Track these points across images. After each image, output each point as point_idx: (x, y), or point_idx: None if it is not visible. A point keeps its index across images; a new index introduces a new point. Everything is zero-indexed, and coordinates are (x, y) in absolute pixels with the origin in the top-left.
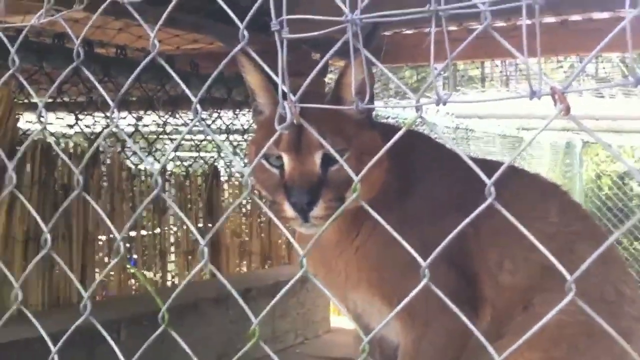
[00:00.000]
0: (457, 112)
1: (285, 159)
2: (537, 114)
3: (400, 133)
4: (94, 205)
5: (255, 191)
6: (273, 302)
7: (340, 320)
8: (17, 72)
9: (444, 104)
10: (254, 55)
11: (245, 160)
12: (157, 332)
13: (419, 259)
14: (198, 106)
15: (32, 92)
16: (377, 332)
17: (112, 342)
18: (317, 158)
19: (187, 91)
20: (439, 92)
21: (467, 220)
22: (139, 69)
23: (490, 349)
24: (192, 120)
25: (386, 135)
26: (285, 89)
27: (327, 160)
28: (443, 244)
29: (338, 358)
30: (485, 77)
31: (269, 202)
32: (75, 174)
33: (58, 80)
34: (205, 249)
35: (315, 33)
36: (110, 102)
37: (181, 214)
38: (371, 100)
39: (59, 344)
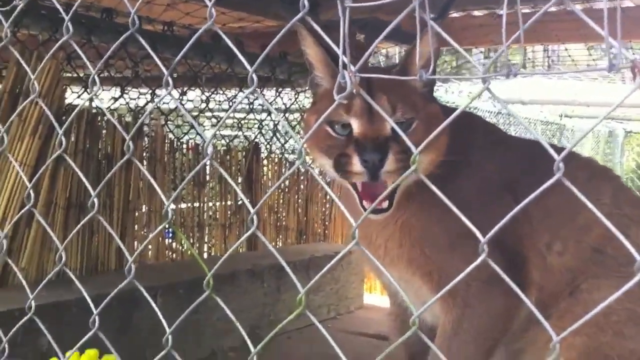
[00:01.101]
0: (501, 98)
1: (356, 124)
2: (581, 100)
3: (467, 104)
4: (144, 171)
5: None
6: (326, 269)
7: (373, 297)
8: (69, 40)
9: (515, 75)
10: (314, 25)
11: (293, 135)
12: (203, 297)
13: (478, 234)
14: (254, 75)
15: (86, 61)
16: (428, 306)
17: (153, 304)
18: (388, 125)
19: (242, 58)
20: (509, 65)
21: (533, 195)
22: (195, 36)
23: (549, 328)
24: (234, 96)
25: (445, 112)
26: (346, 60)
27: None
28: (504, 220)
29: (370, 334)
30: (526, 62)
31: (331, 167)
32: (120, 143)
33: (110, 50)
34: (255, 217)
35: (382, 1)
36: (164, 70)
37: (230, 181)
38: (434, 74)
39: (101, 306)
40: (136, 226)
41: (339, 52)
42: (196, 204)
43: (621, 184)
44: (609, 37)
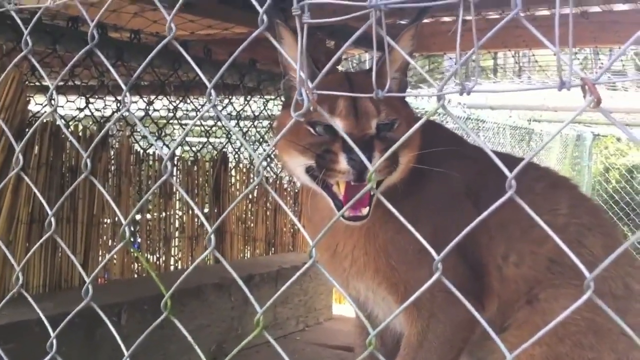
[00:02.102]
0: (468, 103)
1: (342, 124)
2: (549, 105)
3: (422, 120)
4: (100, 189)
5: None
6: (285, 286)
7: (342, 308)
8: (29, 54)
9: (468, 93)
10: (273, 40)
11: (248, 149)
12: (159, 320)
13: (433, 253)
14: (212, 91)
15: (44, 74)
16: (384, 326)
17: (111, 326)
18: (373, 124)
19: (202, 76)
20: (463, 82)
21: (485, 214)
22: (155, 51)
23: (498, 340)
24: (202, 105)
25: (429, 130)
26: (303, 76)
27: (381, 128)
28: (456, 239)
29: (339, 346)
30: (497, 67)
31: (304, 170)
32: (83, 156)
33: (71, 62)
34: (212, 236)
35: (338, 18)
36: (123, 86)
37: (189, 199)
38: (404, 88)
39: (59, 328)
40: (102, 239)
41: (297, 68)
42: (162, 215)
43: (579, 193)
44: (560, 55)
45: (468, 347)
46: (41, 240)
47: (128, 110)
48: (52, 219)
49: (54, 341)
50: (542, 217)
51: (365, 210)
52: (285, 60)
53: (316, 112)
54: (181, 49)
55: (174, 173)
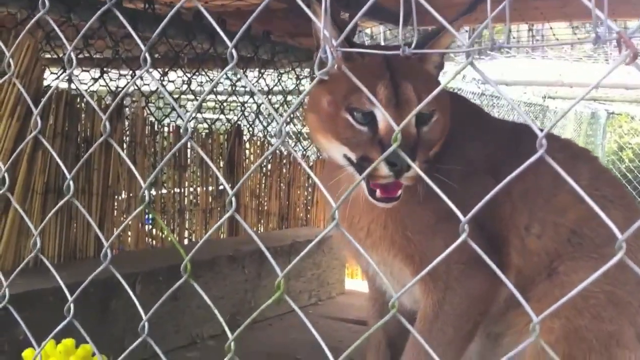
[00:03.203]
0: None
1: (381, 117)
2: (565, 81)
3: (451, 78)
4: (120, 153)
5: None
6: (305, 251)
7: (355, 283)
8: (46, 16)
9: (498, 49)
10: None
11: (276, 116)
12: (180, 282)
13: (459, 214)
14: (234, 51)
15: (63, 37)
16: (405, 291)
17: (130, 292)
18: (413, 118)
19: (222, 32)
20: (493, 37)
21: (516, 173)
22: (169, 15)
23: (529, 309)
24: (218, 77)
25: (451, 102)
26: (327, 34)
27: (420, 120)
28: (484, 200)
29: (350, 319)
30: (510, 42)
31: (342, 157)
32: (98, 126)
33: (86, 26)
34: (234, 199)
35: None
36: (145, 51)
37: (210, 163)
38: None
39: (76, 293)
40: (115, 212)
41: (320, 26)
42: (177, 190)
43: (599, 165)
44: (596, 9)
45: (484, 323)
46: (60, 204)
47: (148, 73)
48: (71, 183)
49: (72, 305)
50: (564, 187)
51: (399, 192)
52: (317, 28)
53: (353, 97)
54: (202, 9)
55: (188, 145)
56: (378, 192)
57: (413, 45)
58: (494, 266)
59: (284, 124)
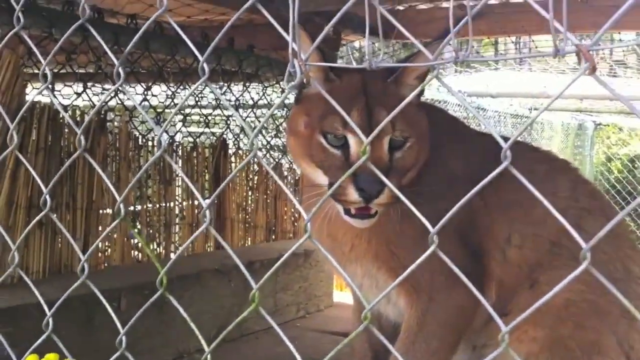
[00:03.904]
0: (469, 91)
1: (353, 141)
2: (550, 92)
3: (415, 92)
4: (95, 167)
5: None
6: (275, 267)
7: (343, 295)
8: (21, 30)
9: (462, 62)
10: (266, 13)
11: (247, 130)
12: (155, 297)
13: (428, 225)
14: (205, 65)
15: (37, 53)
16: (380, 299)
17: (109, 309)
18: (386, 143)
19: (192, 46)
20: (456, 50)
21: (482, 183)
22: (147, 23)
23: (498, 319)
24: (201, 92)
25: (429, 114)
26: (295, 47)
27: (392, 146)
28: (453, 210)
29: (338, 332)
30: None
31: (322, 181)
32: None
33: (60, 41)
34: (208, 212)
35: None
36: (118, 66)
37: (183, 176)
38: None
39: (54, 308)
40: (100, 227)
41: (289, 39)
42: (162, 204)
43: (580, 176)
44: (554, 21)
45: (468, 334)
46: (37, 218)
47: (123, 92)
48: (47, 197)
49: (50, 320)
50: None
51: (373, 211)
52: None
53: (327, 121)
54: (174, 23)
55: (173, 159)
56: (352, 209)
57: (379, 59)
58: (463, 277)
59: (256, 137)
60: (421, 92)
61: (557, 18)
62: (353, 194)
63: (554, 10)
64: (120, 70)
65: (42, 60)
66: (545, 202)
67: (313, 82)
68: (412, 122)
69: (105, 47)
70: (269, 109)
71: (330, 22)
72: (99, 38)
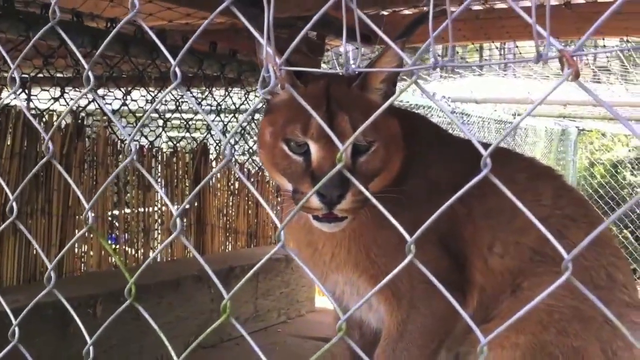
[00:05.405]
0: (453, 96)
1: (314, 147)
2: (533, 98)
3: (392, 99)
4: (63, 173)
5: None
6: (247, 276)
7: (325, 300)
8: None
9: (440, 68)
10: (239, 14)
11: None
12: (123, 307)
13: (405, 235)
14: (177, 69)
15: (5, 55)
16: (357, 307)
17: (76, 318)
18: (348, 148)
19: (164, 50)
20: (435, 55)
21: (460, 192)
22: (119, 25)
23: (477, 331)
24: (182, 96)
25: (401, 120)
26: (270, 51)
27: (356, 150)
28: (432, 218)
29: (319, 337)
30: (483, 61)
31: (288, 188)
32: (59, 145)
33: (34, 39)
34: (178, 220)
35: None
36: (88, 70)
37: (152, 181)
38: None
39: (21, 316)
40: (77, 232)
41: (263, 42)
42: (141, 209)
43: (563, 183)
44: (537, 26)
45: (450, 343)
46: (4, 225)
47: (99, 96)
48: (14, 204)
49: (16, 329)
50: (525, 206)
51: (340, 214)
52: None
53: (288, 128)
54: (143, 24)
55: (153, 164)
56: (319, 214)
57: (356, 65)
58: (441, 287)
59: (229, 143)
60: (390, 96)
61: (540, 23)
62: (314, 200)
63: (537, 15)
64: (90, 74)
65: (11, 64)
66: (526, 211)
67: (287, 87)
68: (378, 126)
69: (74, 49)
70: (252, 115)
71: (307, 26)
72: (68, 40)
